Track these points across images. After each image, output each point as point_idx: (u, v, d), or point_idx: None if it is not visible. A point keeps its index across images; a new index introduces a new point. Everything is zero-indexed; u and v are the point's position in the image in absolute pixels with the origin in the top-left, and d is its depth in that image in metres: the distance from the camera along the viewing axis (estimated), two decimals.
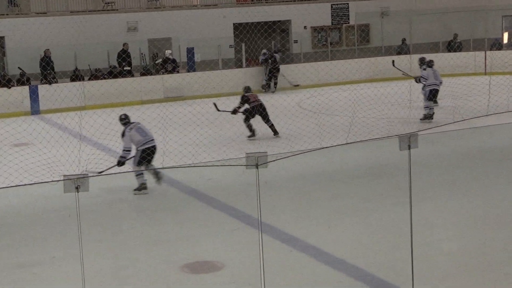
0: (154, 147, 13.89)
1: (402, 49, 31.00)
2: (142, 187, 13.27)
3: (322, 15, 31.39)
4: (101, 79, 25.83)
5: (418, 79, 21.18)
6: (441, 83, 21.38)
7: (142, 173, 13.54)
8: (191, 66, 27.91)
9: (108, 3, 29.11)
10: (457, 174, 14.18)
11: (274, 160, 5.81)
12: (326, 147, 14.50)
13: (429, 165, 13.82)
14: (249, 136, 18.77)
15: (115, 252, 10.33)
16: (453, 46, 31.21)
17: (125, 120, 14.44)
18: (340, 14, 31.71)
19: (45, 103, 23.82)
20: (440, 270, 8.94)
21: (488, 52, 29.82)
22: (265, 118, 19.04)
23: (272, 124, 18.96)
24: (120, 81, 25.67)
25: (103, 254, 9.88)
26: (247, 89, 19.81)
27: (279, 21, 31.28)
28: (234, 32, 29.77)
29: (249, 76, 27.27)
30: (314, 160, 14.46)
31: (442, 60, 29.57)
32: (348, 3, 31.99)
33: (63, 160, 15.21)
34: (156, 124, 19.29)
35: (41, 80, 24.92)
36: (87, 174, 5.36)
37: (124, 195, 13.25)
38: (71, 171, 13.40)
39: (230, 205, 12.22)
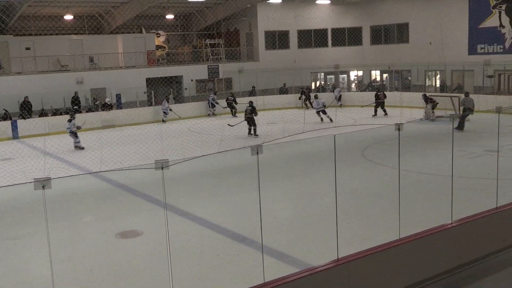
0: None
1: (252, 92, 31.00)
2: None
3: (202, 72, 31.12)
4: (59, 114, 25.25)
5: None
6: None
7: None
8: (119, 105, 27.36)
9: (63, 65, 28.36)
10: (287, 168, 14.47)
11: (173, 164, 5.34)
12: (207, 154, 14.81)
13: (270, 164, 13.78)
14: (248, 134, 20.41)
15: (71, 227, 10.08)
16: (282, 90, 32.01)
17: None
18: (213, 71, 31.44)
19: (22, 131, 23.11)
20: (278, 226, 9.23)
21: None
22: (252, 125, 20.53)
23: (255, 129, 20.55)
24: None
25: (61, 231, 9.59)
26: (250, 103, 21.03)
27: (175, 76, 30.72)
28: (146, 83, 29.22)
29: (156, 111, 26.93)
30: (200, 163, 13.90)
31: (276, 99, 30.43)
32: (218, 65, 31.58)
33: (33, 168, 14.85)
34: (95, 143, 19.30)
35: (19, 116, 24.15)
36: (50, 177, 4.94)
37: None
38: (40, 175, 12.56)
39: (145, 193, 11.92)
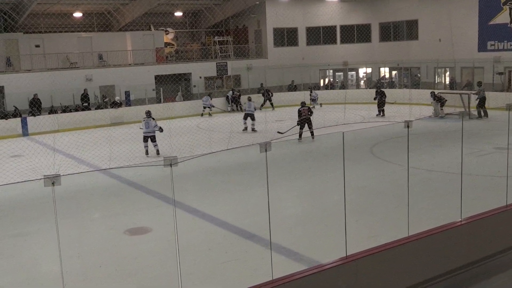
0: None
1: (260, 90, 30.86)
2: None
3: (211, 70, 31.21)
4: (69, 112, 25.40)
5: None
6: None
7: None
8: (128, 102, 27.45)
9: (72, 63, 28.52)
10: (295, 166, 14.37)
11: (182, 161, 5.31)
12: (216, 152, 14.99)
13: (278, 161, 13.81)
14: (298, 139, 17.83)
15: (80, 223, 10.12)
16: (291, 87, 32.07)
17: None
18: (222, 68, 31.52)
19: (31, 128, 23.29)
20: (286, 224, 9.19)
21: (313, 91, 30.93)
22: (310, 126, 18.00)
23: (313, 131, 18.02)
24: (82, 113, 25.27)
25: (70, 228, 9.45)
26: (302, 104, 18.61)
27: (184, 73, 30.91)
28: (155, 81, 29.29)
29: (165, 108, 26.77)
30: (209, 160, 14.33)
31: (284, 97, 30.55)
32: (226, 62, 31.72)
33: (43, 165, 14.87)
34: (104, 140, 19.31)
35: (29, 113, 24.29)
36: (60, 174, 4.87)
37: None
38: (49, 172, 12.67)
39: (154, 190, 11.83)
